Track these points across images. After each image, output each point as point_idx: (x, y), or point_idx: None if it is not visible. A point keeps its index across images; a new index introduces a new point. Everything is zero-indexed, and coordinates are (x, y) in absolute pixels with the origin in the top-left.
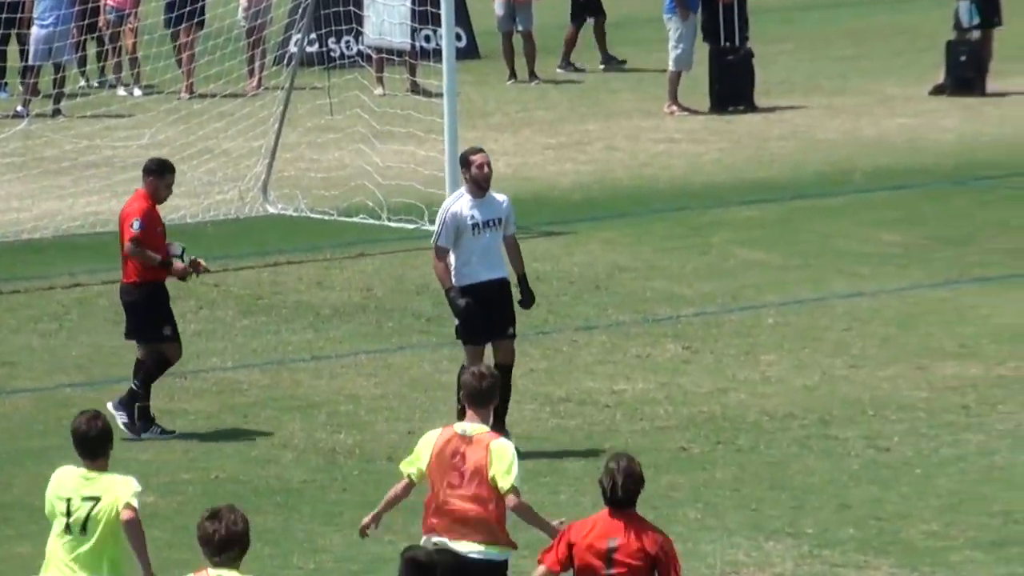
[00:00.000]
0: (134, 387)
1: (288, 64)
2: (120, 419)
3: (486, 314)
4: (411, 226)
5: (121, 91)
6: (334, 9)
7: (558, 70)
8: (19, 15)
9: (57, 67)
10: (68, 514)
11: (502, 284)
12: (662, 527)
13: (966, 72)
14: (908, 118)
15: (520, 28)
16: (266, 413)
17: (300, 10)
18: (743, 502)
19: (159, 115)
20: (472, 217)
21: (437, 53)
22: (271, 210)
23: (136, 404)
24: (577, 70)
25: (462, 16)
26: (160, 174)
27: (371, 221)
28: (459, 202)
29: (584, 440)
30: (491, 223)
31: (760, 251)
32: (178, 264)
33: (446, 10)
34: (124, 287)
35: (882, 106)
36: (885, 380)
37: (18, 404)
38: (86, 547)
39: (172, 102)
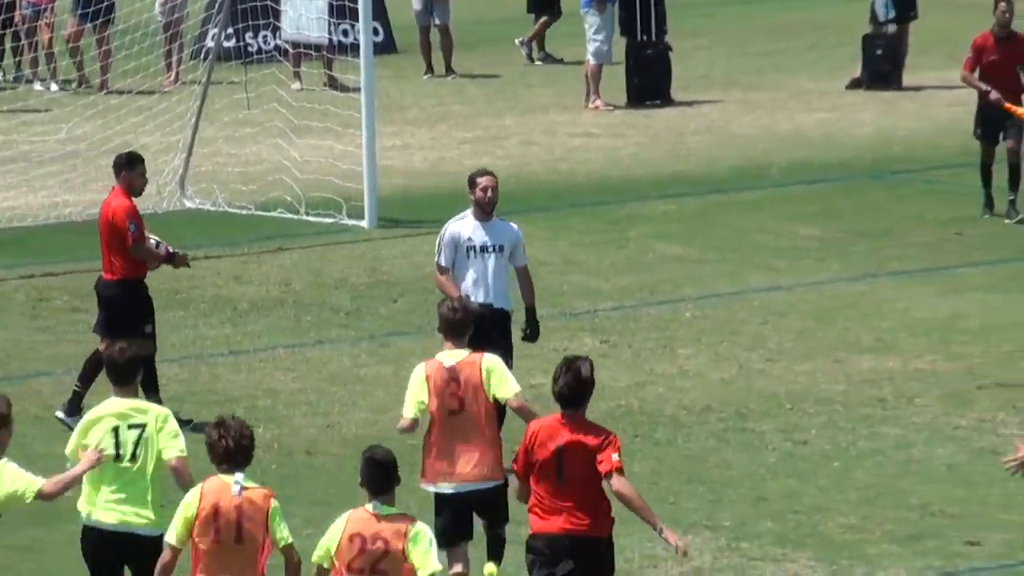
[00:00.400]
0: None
1: (205, 59)
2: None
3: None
4: (329, 220)
5: (38, 86)
6: (251, 3)
7: (537, 62)
8: None
9: None
10: (117, 444)
11: (494, 313)
12: None
13: (882, 66)
14: (825, 112)
15: (437, 22)
16: (184, 407)
17: (217, 5)
18: (661, 495)
19: (76, 110)
20: (470, 240)
21: (354, 48)
22: (189, 205)
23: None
24: (555, 61)
25: (379, 10)
26: (131, 166)
27: (289, 215)
28: (462, 222)
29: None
30: (492, 248)
31: (678, 245)
32: (179, 254)
33: (363, 5)
34: (106, 283)
35: (798, 101)
36: (802, 374)
37: None
38: (132, 474)
39: (89, 97)
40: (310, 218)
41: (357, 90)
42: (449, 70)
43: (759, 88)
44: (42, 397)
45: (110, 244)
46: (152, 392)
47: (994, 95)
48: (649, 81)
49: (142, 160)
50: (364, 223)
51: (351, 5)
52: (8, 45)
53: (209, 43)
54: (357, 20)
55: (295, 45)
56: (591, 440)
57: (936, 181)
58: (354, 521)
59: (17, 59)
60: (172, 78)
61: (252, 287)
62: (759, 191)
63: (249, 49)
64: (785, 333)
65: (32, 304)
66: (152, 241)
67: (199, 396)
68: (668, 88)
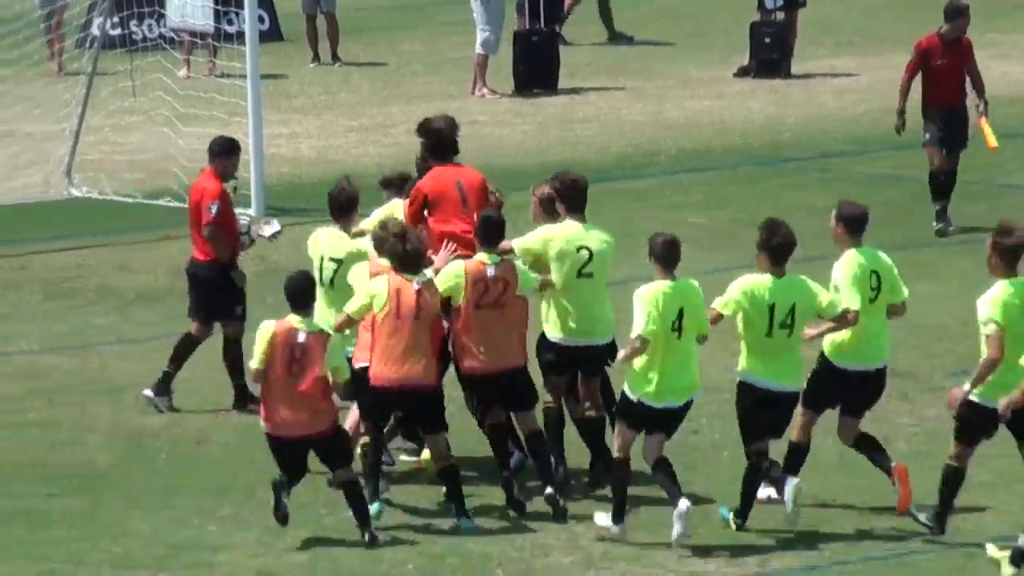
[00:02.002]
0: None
1: (90, 47)
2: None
3: None
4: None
5: None
6: None
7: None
8: None
9: None
10: (320, 269)
11: None
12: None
13: (771, 54)
14: (713, 100)
15: (324, 9)
16: (72, 397)
17: None
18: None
19: None
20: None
21: (240, 36)
22: (75, 193)
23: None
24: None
25: None
26: (228, 155)
27: (176, 204)
28: None
29: None
30: None
31: None
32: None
33: None
34: (198, 264)
35: (687, 88)
36: None
37: None
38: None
39: None
40: None
41: (243, 78)
42: (335, 58)
43: (647, 76)
44: None
45: (199, 225)
46: (238, 376)
47: (901, 120)
48: (536, 69)
49: (239, 150)
50: (251, 211)
51: None
52: None
53: (95, 31)
54: (242, 8)
55: (189, 33)
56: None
57: (826, 169)
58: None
59: None
60: (56, 67)
61: (139, 276)
62: (647, 179)
63: (134, 37)
64: None
65: None
66: (243, 221)
67: (87, 385)
68: (556, 76)
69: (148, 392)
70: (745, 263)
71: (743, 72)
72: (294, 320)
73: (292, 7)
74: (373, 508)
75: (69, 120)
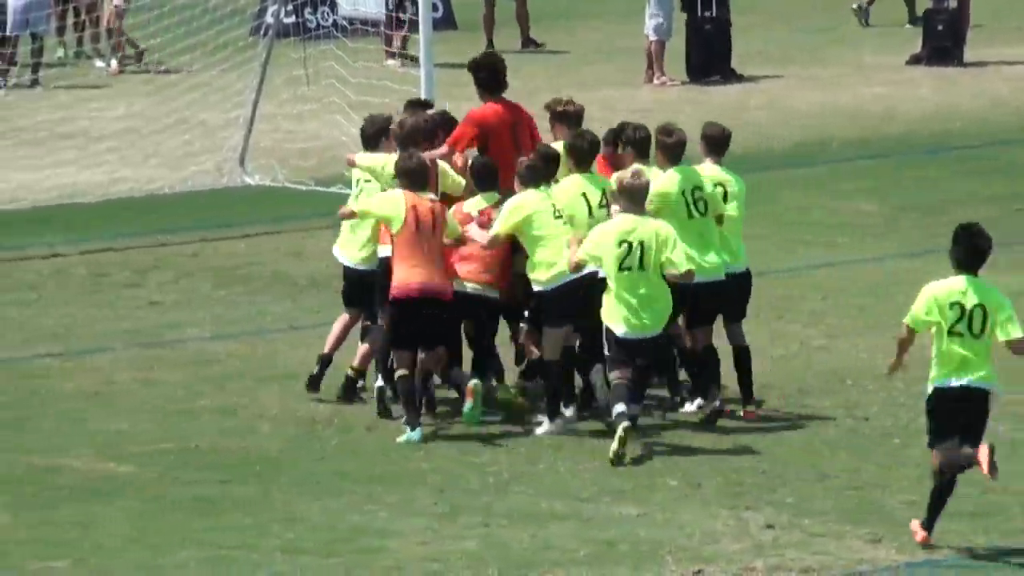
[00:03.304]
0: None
1: (264, 35)
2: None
3: None
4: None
5: (98, 63)
6: None
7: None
8: None
9: (34, 37)
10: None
11: None
12: (642, 496)
13: (943, 41)
14: (884, 88)
15: None
16: (243, 384)
17: None
18: (722, 470)
19: (135, 86)
20: None
21: (413, 24)
22: (249, 181)
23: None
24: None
25: None
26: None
27: (348, 191)
28: None
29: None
30: None
31: None
32: None
33: None
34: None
35: (858, 76)
36: (862, 350)
37: None
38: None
39: (147, 73)
40: None
41: (416, 66)
42: (529, 41)
43: (818, 64)
44: (101, 373)
45: None
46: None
47: None
48: (708, 57)
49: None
50: None
51: None
52: (70, 21)
53: (269, 19)
54: None
55: (389, 21)
56: None
57: (994, 158)
58: None
59: (78, 35)
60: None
61: (311, 263)
62: (818, 167)
63: (308, 25)
64: (844, 310)
65: (92, 280)
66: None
67: (258, 372)
68: (728, 63)
69: (379, 382)
70: (915, 250)
71: (915, 60)
72: None
73: None
74: (415, 435)
75: (243, 108)
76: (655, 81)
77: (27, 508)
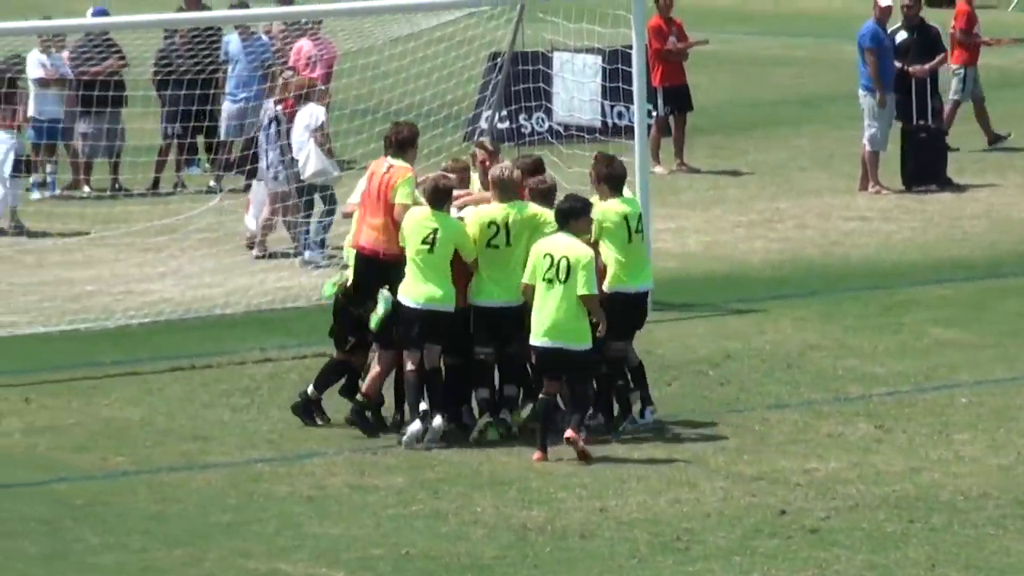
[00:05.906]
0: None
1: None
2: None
3: None
4: None
5: None
6: (523, 86)
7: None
8: (212, 91)
9: (248, 143)
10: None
11: None
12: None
13: None
14: None
15: None
16: (456, 489)
17: (491, 87)
18: None
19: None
20: None
21: (629, 130)
22: None
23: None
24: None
25: (652, 92)
26: None
27: None
28: None
29: (776, 519)
30: None
31: (953, 330)
32: None
33: (637, 86)
34: None
35: None
36: None
37: (210, 479)
38: None
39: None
40: None
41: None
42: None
43: None
44: (315, 477)
45: None
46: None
47: None
48: (924, 165)
49: None
50: None
51: (625, 87)
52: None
53: (483, 124)
54: (630, 102)
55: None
56: None
57: None
58: None
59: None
60: None
61: None
62: None
63: (523, 131)
64: None
65: (306, 385)
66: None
67: (471, 478)
68: (944, 172)
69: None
70: None
71: None
72: None
73: None
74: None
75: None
76: (870, 189)
77: None
